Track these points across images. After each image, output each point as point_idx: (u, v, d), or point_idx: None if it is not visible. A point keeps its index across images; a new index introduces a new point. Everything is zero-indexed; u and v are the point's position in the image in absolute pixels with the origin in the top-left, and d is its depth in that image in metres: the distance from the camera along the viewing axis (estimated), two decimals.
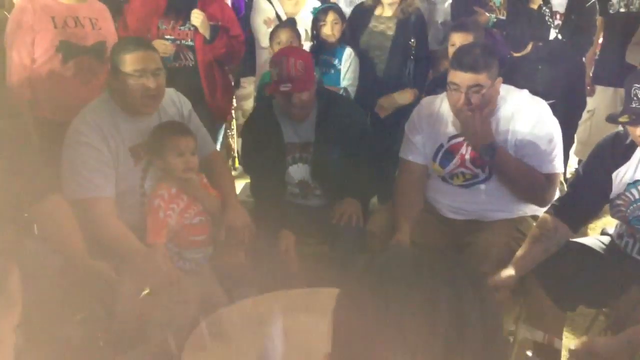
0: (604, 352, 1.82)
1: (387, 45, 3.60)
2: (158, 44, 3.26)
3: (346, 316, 0.80)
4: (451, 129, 2.59)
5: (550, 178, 2.48)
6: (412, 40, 3.58)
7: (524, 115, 2.49)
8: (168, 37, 3.35)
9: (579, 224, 2.36)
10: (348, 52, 3.53)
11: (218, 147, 4.05)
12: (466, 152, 2.55)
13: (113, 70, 2.40)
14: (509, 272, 2.22)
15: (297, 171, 2.84)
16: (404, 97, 3.57)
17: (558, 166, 2.51)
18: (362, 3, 3.81)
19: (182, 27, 3.38)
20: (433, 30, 4.00)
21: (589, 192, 2.25)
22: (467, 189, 2.60)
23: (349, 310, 0.80)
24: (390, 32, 3.60)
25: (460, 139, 2.57)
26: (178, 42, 3.36)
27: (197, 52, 3.38)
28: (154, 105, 2.45)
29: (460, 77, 2.40)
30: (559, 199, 2.35)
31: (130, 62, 2.35)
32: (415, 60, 3.62)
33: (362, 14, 3.70)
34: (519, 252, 2.26)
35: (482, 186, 2.58)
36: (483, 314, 0.76)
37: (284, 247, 2.66)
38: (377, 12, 3.65)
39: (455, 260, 0.83)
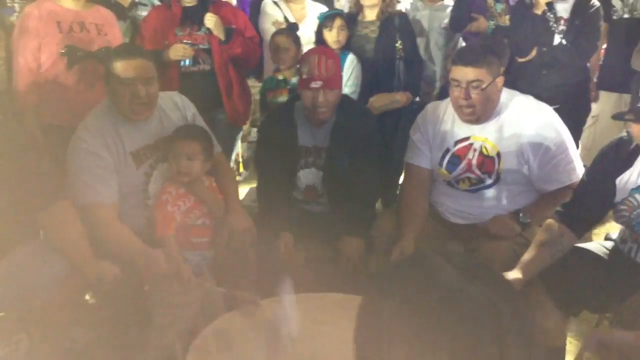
0: (620, 345, 1.80)
1: (371, 48, 3.61)
2: (178, 47, 3.29)
3: (373, 331, 0.74)
4: (457, 133, 2.61)
5: (573, 186, 2.47)
6: (399, 42, 3.59)
7: (533, 124, 2.50)
8: (186, 42, 3.37)
9: (584, 230, 2.36)
10: (350, 58, 3.53)
11: (235, 152, 4.08)
12: (473, 156, 2.56)
13: (107, 75, 2.42)
14: (516, 274, 2.21)
15: (307, 176, 2.84)
16: (394, 98, 3.57)
17: (579, 172, 2.52)
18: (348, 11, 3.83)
19: (198, 32, 3.41)
20: (434, 35, 4.01)
21: (593, 198, 2.25)
22: (473, 194, 2.61)
23: (376, 325, 0.74)
24: (374, 35, 3.61)
25: (467, 142, 2.58)
26: (196, 46, 3.39)
27: (214, 55, 3.41)
28: (144, 113, 2.46)
29: (461, 72, 2.44)
30: (563, 204, 2.35)
31: (122, 68, 2.36)
32: (404, 62, 3.62)
33: (348, 21, 3.71)
34: (525, 257, 2.26)
35: (488, 191, 2.59)
36: (522, 332, 0.72)
37: (283, 246, 2.66)
38: (360, 17, 3.67)
39: (491, 274, 0.78)
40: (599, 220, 2.45)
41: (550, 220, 2.32)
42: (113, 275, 2.20)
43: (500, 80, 2.49)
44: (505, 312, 0.72)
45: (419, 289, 0.73)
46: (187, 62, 3.37)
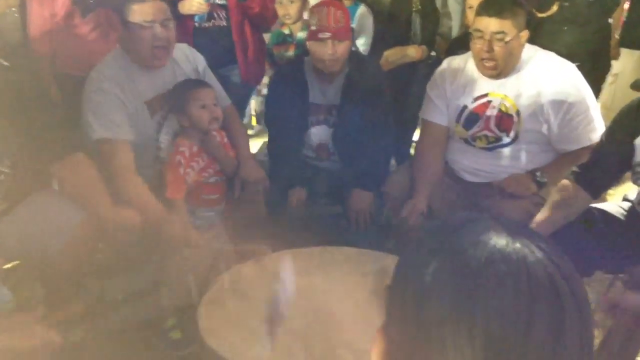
0: (633, 307, 1.80)
1: (387, 0, 3.54)
2: (192, 1, 3.23)
3: (412, 289, 0.68)
4: (475, 89, 2.56)
5: (591, 146, 2.42)
6: None
7: (555, 82, 2.45)
8: None
9: (599, 191, 2.33)
10: (361, 10, 3.45)
11: (248, 109, 4.03)
12: (491, 114, 2.52)
13: (122, 22, 2.40)
14: None
15: (318, 133, 2.83)
16: (410, 51, 3.51)
17: (599, 132, 2.45)
18: None
19: None
20: None
21: (611, 159, 2.21)
22: (490, 152, 2.59)
23: (418, 283, 0.68)
24: None
25: (485, 99, 2.54)
26: (212, 1, 3.32)
27: (231, 11, 3.33)
28: (164, 57, 2.45)
29: (485, 23, 2.39)
30: (579, 165, 2.32)
31: (139, 12, 2.35)
32: (421, 15, 3.55)
33: None
34: (539, 217, 2.24)
35: (506, 150, 2.56)
36: (582, 333, 0.65)
37: (295, 200, 2.67)
38: None
39: (556, 264, 0.67)
40: (615, 182, 2.41)
41: (565, 181, 2.29)
42: (133, 225, 2.21)
43: (524, 34, 2.43)
44: (561, 283, 0.65)
45: (469, 248, 0.67)
46: (202, 16, 3.31)
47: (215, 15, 3.34)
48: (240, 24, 3.39)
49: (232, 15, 3.34)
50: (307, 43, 2.73)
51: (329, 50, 2.62)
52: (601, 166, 2.23)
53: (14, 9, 3.13)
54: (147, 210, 2.29)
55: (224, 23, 3.36)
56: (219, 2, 3.34)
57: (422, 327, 0.66)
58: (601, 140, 2.30)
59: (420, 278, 0.68)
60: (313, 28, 2.66)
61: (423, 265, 0.68)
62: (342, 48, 2.65)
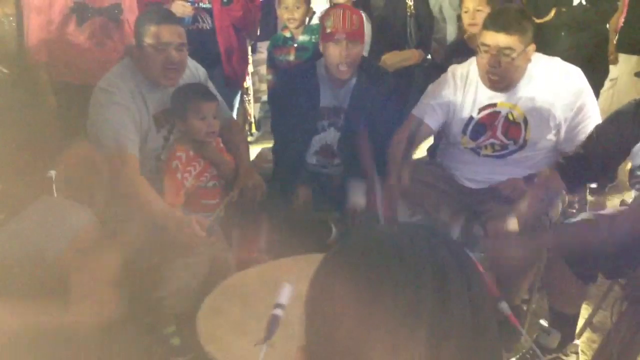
0: None
1: (381, 6, 3.55)
2: (177, 5, 3.24)
3: (320, 305, 0.72)
4: (481, 100, 2.55)
5: None
6: None
7: (562, 88, 2.45)
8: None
9: (576, 186, 2.32)
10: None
11: (234, 114, 4.04)
12: (499, 123, 2.51)
13: (137, 40, 2.41)
14: (512, 222, 2.22)
15: (325, 136, 2.83)
16: (407, 56, 3.52)
17: None
18: None
19: None
20: None
21: (598, 157, 2.19)
22: (496, 160, 2.58)
23: (323, 298, 0.71)
24: None
25: (492, 109, 2.52)
26: (196, 4, 3.34)
27: (215, 15, 3.35)
28: (175, 79, 2.46)
29: (492, 38, 2.36)
30: (565, 157, 2.30)
31: (155, 34, 2.35)
32: (415, 19, 3.56)
33: None
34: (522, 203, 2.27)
35: (511, 157, 2.55)
36: (471, 301, 0.67)
37: (301, 200, 2.68)
38: None
39: (439, 237, 0.72)
40: (595, 180, 2.40)
41: (545, 169, 2.29)
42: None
43: (531, 48, 2.40)
44: (450, 270, 0.68)
45: (362, 253, 0.71)
46: (186, 20, 3.32)
47: (200, 18, 3.36)
48: (224, 27, 3.40)
49: (217, 19, 3.36)
50: (321, 46, 2.72)
51: (343, 52, 2.61)
52: (586, 162, 2.22)
53: (11, 18, 3.13)
54: (161, 211, 2.27)
55: (208, 26, 3.38)
56: (204, 6, 3.36)
57: (338, 342, 0.68)
58: (592, 138, 2.27)
59: (330, 286, 0.70)
60: (328, 30, 2.66)
61: (330, 280, 0.71)
62: (355, 51, 2.65)
